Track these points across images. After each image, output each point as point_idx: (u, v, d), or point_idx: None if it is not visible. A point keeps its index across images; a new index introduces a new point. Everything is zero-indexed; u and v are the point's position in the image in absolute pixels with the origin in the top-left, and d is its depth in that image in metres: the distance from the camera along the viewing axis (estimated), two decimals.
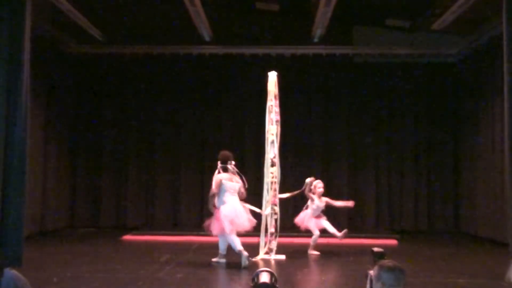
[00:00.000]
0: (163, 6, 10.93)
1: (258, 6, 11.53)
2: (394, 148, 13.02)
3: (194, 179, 12.49)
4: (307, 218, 9.18)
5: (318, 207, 9.11)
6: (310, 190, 9.07)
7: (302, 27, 11.71)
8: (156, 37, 12.09)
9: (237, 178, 8.25)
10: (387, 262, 3.20)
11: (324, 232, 9.24)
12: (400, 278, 3.10)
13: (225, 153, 8.33)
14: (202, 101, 13.08)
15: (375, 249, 3.36)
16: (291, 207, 12.14)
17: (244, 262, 7.70)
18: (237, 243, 7.93)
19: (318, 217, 9.20)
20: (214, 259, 8.29)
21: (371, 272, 3.28)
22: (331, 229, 9.14)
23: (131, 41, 12.22)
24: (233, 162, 8.28)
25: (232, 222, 7.89)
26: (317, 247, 9.18)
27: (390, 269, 3.12)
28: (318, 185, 9.13)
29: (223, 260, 8.21)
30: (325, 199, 9.23)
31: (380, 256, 3.41)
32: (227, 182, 8.09)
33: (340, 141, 13.03)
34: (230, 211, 7.94)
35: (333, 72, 12.92)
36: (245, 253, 7.78)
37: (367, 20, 11.96)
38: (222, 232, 7.96)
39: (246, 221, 7.99)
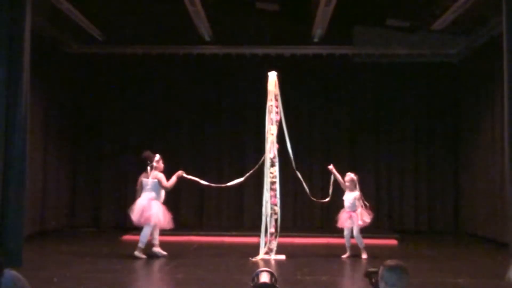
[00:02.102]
0: (163, 6, 10.92)
1: (258, 6, 11.52)
2: (394, 148, 13.02)
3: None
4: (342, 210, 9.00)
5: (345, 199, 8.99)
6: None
7: (302, 27, 11.70)
8: (156, 37, 12.08)
9: (153, 174, 8.78)
10: (390, 261, 3.22)
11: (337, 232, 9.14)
12: (402, 277, 3.11)
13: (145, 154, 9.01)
14: (202, 101, 13.09)
15: (370, 269, 3.40)
16: (290, 207, 12.18)
17: (137, 254, 8.50)
18: (145, 239, 8.57)
19: (349, 213, 8.89)
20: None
21: (371, 270, 3.31)
22: (346, 241, 8.88)
23: (131, 41, 12.22)
24: (150, 162, 8.88)
25: (139, 215, 8.58)
26: (351, 248, 8.90)
27: (392, 268, 3.13)
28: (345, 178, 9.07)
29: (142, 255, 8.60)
30: (354, 194, 8.91)
31: (374, 275, 3.41)
32: (143, 180, 8.87)
33: (340, 141, 13.03)
34: (138, 204, 8.70)
35: (333, 72, 12.92)
36: (143, 255, 8.50)
37: (367, 20, 11.95)
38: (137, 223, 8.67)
39: (150, 216, 8.57)
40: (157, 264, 8.09)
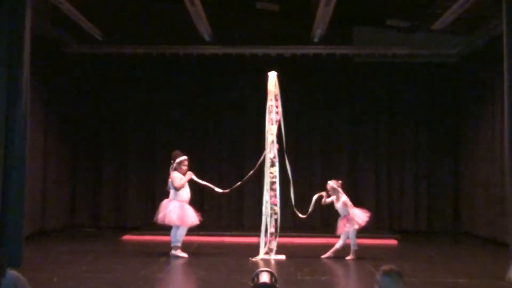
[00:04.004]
0: (163, 6, 10.93)
1: (258, 6, 11.52)
2: (394, 148, 13.02)
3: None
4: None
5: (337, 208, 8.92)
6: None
7: (302, 27, 11.70)
8: (156, 37, 12.08)
9: (171, 175, 8.94)
10: (385, 266, 3.30)
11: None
12: (397, 281, 3.20)
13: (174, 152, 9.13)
14: (202, 101, 13.09)
15: None
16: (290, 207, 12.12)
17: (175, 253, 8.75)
18: (179, 237, 8.80)
19: (345, 218, 8.77)
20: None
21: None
22: (339, 243, 8.83)
23: (131, 41, 12.21)
24: (173, 161, 8.98)
25: (159, 214, 8.87)
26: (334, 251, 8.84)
27: (386, 273, 3.23)
28: None
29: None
30: (341, 200, 8.74)
31: None
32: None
33: (340, 141, 13.04)
34: (162, 203, 9.02)
35: (333, 72, 12.92)
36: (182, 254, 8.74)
37: (367, 20, 11.95)
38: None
39: (163, 216, 8.75)
40: (157, 264, 8.08)
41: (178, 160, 8.88)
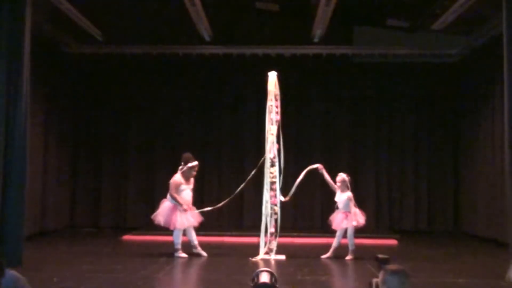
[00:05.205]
0: (163, 6, 10.91)
1: (258, 6, 11.52)
2: (394, 148, 13.03)
3: (194, 179, 12.49)
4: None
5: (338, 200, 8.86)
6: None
7: (302, 27, 11.69)
8: (156, 37, 12.07)
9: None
10: (391, 266, 3.32)
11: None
12: (403, 282, 3.21)
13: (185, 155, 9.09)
14: (202, 101, 13.09)
15: (380, 255, 3.46)
16: (290, 207, 12.15)
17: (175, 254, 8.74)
18: (176, 239, 8.76)
19: (345, 213, 8.77)
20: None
21: (375, 280, 3.39)
22: (335, 242, 8.82)
23: (131, 41, 12.21)
24: (183, 163, 8.93)
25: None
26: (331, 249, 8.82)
27: (394, 273, 3.25)
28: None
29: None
30: (346, 194, 8.75)
31: (384, 261, 3.48)
32: None
33: (340, 141, 13.04)
34: None
35: (333, 72, 12.92)
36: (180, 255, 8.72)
37: (367, 20, 11.94)
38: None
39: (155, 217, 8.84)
40: (157, 264, 8.08)
41: (189, 165, 8.84)
